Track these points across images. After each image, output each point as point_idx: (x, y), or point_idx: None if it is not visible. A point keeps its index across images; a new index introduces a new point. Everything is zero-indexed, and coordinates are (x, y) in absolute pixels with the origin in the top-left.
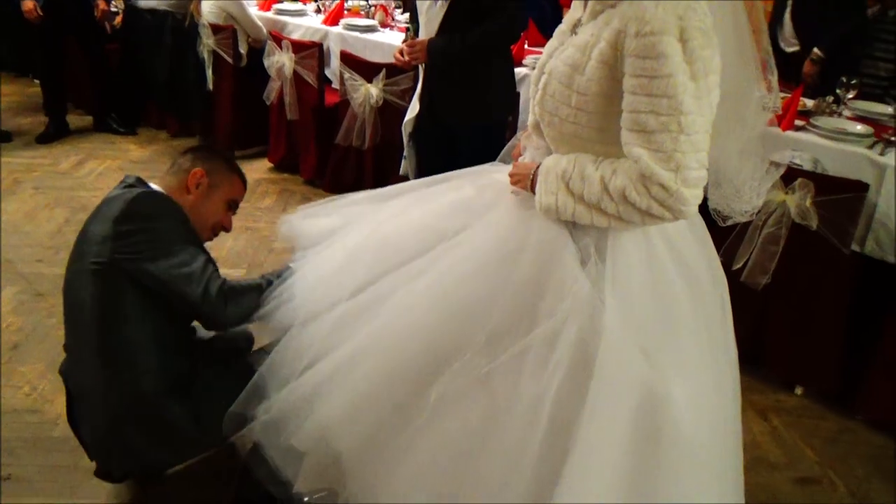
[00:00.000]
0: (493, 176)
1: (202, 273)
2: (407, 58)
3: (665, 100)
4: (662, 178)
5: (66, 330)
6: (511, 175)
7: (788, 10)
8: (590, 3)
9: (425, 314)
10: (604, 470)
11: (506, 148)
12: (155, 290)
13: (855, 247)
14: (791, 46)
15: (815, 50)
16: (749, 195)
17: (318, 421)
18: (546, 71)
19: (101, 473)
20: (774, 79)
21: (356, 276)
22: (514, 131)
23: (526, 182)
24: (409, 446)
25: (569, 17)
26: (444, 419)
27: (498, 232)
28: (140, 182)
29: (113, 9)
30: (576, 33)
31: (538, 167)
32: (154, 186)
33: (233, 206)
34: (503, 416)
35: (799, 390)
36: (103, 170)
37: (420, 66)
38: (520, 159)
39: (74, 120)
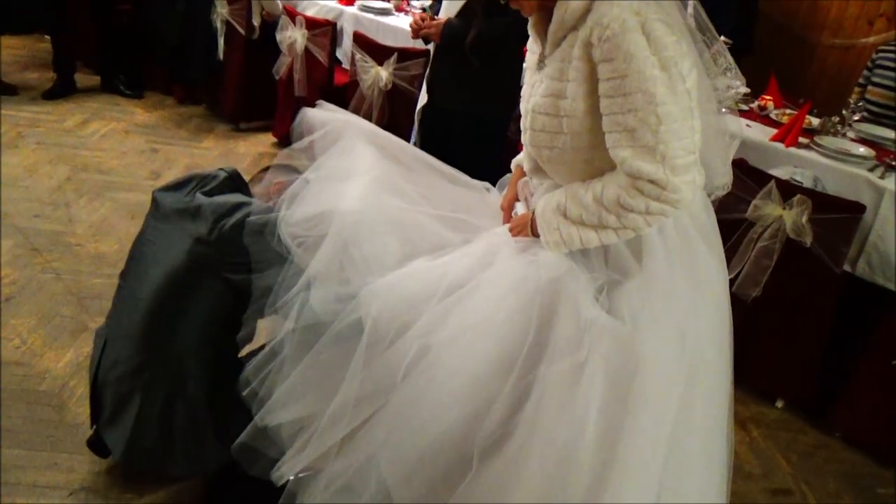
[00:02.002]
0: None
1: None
2: (423, 28)
3: (639, 95)
4: (650, 173)
5: (125, 276)
6: (511, 229)
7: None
8: (550, 33)
9: (455, 377)
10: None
11: (501, 180)
12: (231, 297)
13: (846, 267)
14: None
15: (722, 37)
16: (721, 168)
17: (379, 483)
18: (528, 110)
19: (94, 445)
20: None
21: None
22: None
23: (527, 230)
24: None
25: (529, 57)
26: (488, 469)
27: (512, 282)
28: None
29: None
30: (544, 66)
31: (534, 212)
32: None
33: None
34: (539, 458)
35: (780, 403)
36: (107, 131)
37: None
38: (517, 206)
39: (82, 79)
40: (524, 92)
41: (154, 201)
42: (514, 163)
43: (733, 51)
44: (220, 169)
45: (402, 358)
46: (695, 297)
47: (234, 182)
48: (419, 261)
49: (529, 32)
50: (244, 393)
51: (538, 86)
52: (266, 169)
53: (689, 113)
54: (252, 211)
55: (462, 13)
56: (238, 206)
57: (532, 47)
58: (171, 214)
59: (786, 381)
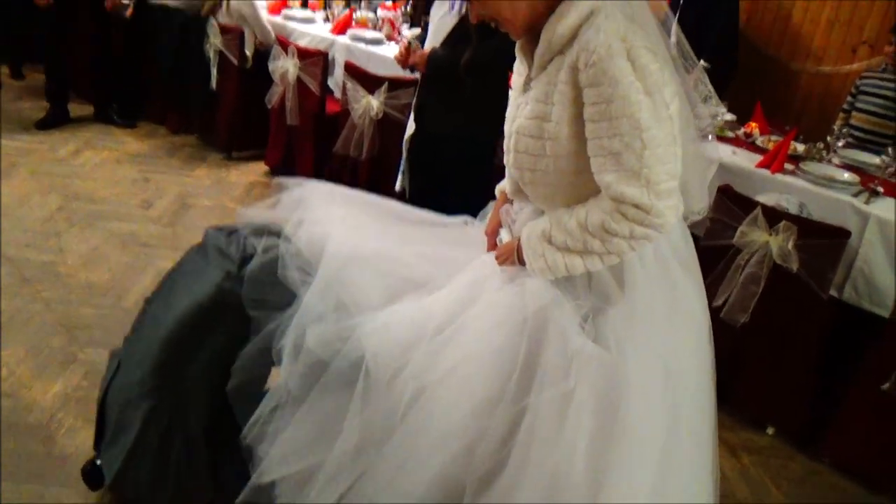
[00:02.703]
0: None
1: None
2: (409, 59)
3: (624, 119)
4: (635, 197)
5: (151, 301)
6: (497, 257)
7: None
8: (536, 57)
9: (450, 415)
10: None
11: (483, 210)
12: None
13: (833, 292)
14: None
15: (701, 61)
16: (699, 193)
17: None
18: (513, 132)
19: (88, 475)
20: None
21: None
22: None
23: (513, 257)
24: None
25: (515, 79)
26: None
27: (500, 315)
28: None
29: (125, 1)
30: (530, 88)
31: (519, 239)
32: None
33: None
34: (531, 490)
35: (770, 430)
36: (100, 160)
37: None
38: (502, 233)
39: (76, 108)
40: (509, 113)
41: (204, 237)
42: (498, 188)
43: (718, 73)
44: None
45: (399, 401)
46: (675, 325)
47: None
48: (407, 300)
49: (517, 54)
50: (245, 444)
51: (523, 107)
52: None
53: (672, 139)
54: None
55: (446, 42)
56: (268, 248)
57: (518, 69)
58: (211, 250)
59: (775, 407)
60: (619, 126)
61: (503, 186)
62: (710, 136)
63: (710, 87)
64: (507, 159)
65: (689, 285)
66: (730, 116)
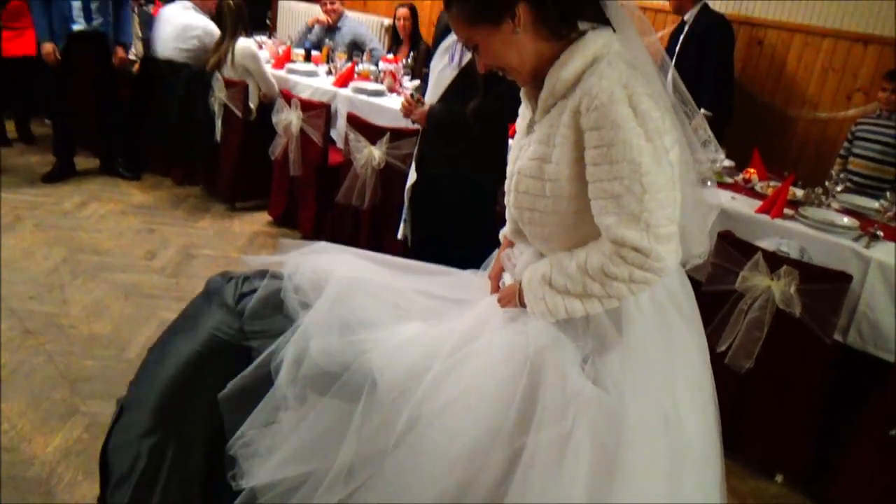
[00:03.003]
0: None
1: None
2: (410, 113)
3: (625, 164)
4: (634, 241)
5: (153, 348)
6: (499, 300)
7: (669, 75)
8: (540, 100)
9: (447, 448)
10: None
11: (487, 260)
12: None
13: (838, 337)
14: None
15: (702, 110)
16: (698, 238)
17: None
18: (515, 172)
19: None
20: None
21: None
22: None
23: (514, 300)
24: None
25: (520, 122)
26: None
27: (501, 352)
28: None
29: (131, 57)
30: (533, 130)
31: (521, 283)
32: None
33: None
34: None
35: (779, 478)
36: (105, 212)
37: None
38: (504, 276)
39: (82, 161)
40: (512, 155)
41: (206, 284)
42: (502, 234)
43: (714, 122)
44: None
45: (393, 427)
46: (673, 373)
47: None
48: (414, 326)
49: (522, 97)
50: (237, 448)
51: (526, 149)
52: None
53: (672, 184)
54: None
55: (446, 95)
56: (268, 286)
57: (523, 112)
58: (211, 296)
59: (783, 453)
60: (619, 170)
61: (506, 231)
62: (710, 182)
63: (709, 132)
64: (508, 199)
65: (686, 333)
66: (728, 163)
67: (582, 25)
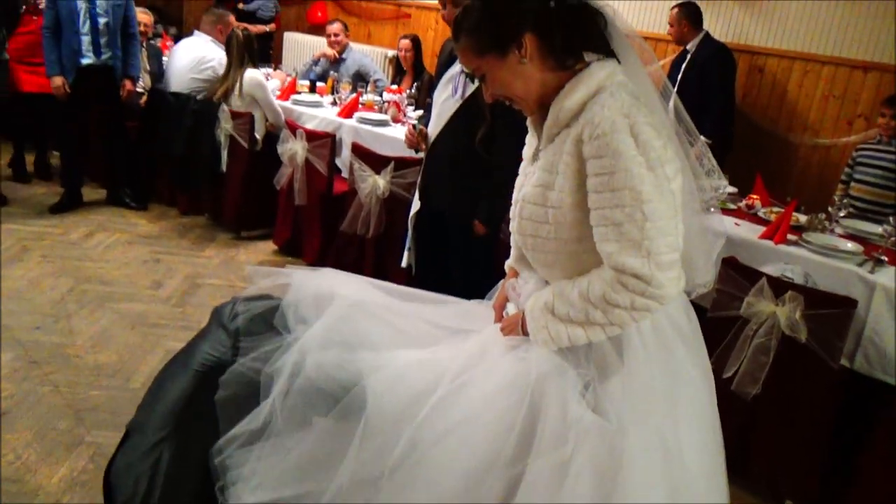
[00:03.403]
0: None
1: None
2: (414, 145)
3: (627, 191)
4: (635, 268)
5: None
6: (502, 328)
7: (671, 103)
8: (545, 129)
9: (447, 475)
10: None
11: (492, 291)
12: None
13: (845, 362)
14: None
15: (702, 138)
16: (704, 267)
17: None
18: (519, 199)
19: None
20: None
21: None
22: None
23: (517, 329)
24: None
25: (526, 150)
26: None
27: (502, 380)
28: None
29: (139, 89)
30: (538, 158)
31: (524, 312)
32: None
33: None
34: None
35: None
36: (112, 242)
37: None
38: (508, 306)
39: (89, 192)
40: (518, 182)
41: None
42: (507, 265)
43: (715, 149)
44: None
45: (391, 452)
46: (675, 401)
47: None
48: (415, 352)
49: (528, 126)
50: (217, 461)
51: (531, 176)
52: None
53: (673, 212)
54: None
55: (450, 124)
56: (260, 298)
57: (529, 140)
58: (212, 321)
59: (791, 479)
60: (621, 198)
61: (511, 262)
62: (714, 209)
63: (713, 160)
64: (513, 226)
65: (689, 362)
66: (731, 189)
67: (587, 56)
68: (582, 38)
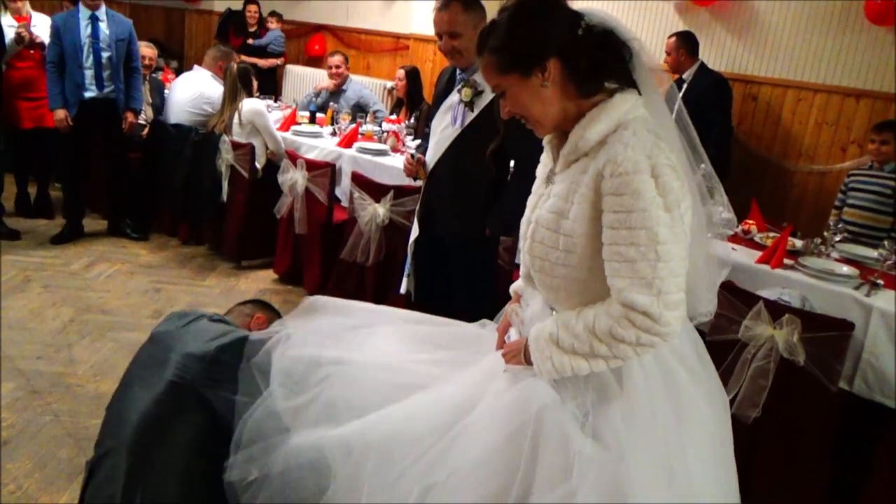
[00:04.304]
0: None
1: None
2: (412, 173)
3: (643, 231)
4: (645, 306)
5: (112, 404)
6: (504, 355)
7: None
8: (562, 155)
9: None
10: None
11: (499, 313)
12: (216, 420)
13: (844, 385)
14: None
15: (702, 166)
16: (706, 296)
17: None
18: (532, 220)
19: None
20: (721, 196)
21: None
22: (511, 255)
23: (520, 357)
24: None
25: (540, 172)
26: None
27: (503, 420)
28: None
29: (141, 121)
30: (552, 182)
31: (527, 340)
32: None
33: None
34: None
35: None
36: (113, 272)
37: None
38: (511, 331)
39: (90, 223)
40: (531, 202)
41: (150, 337)
42: (511, 289)
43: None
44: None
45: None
46: (681, 430)
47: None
48: (408, 401)
49: (544, 146)
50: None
51: (545, 199)
52: (244, 303)
53: (685, 253)
54: (248, 337)
55: (449, 152)
56: (230, 331)
57: (544, 160)
58: (164, 339)
59: (794, 501)
60: (637, 236)
61: (516, 287)
62: (720, 237)
63: (722, 191)
64: (524, 246)
65: (694, 388)
66: (727, 214)
67: (609, 84)
68: (606, 67)
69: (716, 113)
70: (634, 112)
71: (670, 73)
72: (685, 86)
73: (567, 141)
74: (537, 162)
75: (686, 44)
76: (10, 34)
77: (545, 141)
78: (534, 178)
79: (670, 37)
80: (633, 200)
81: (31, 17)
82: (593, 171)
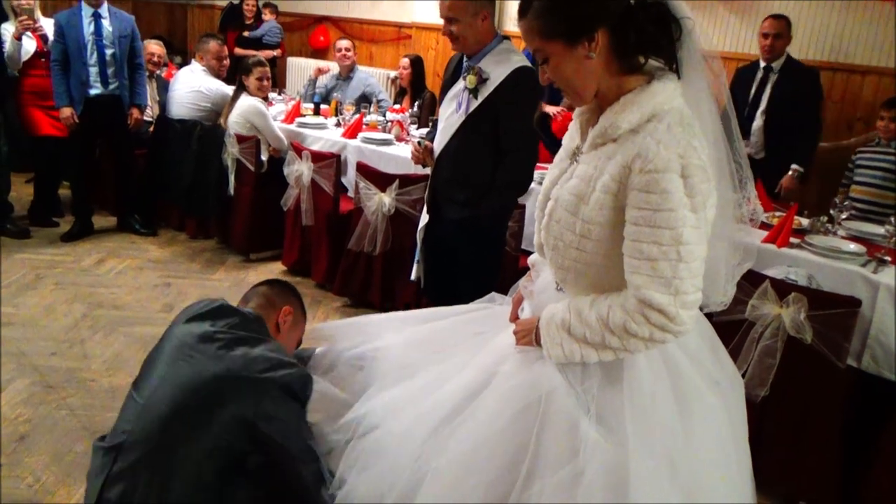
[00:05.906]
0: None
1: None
2: (420, 161)
3: (667, 231)
4: (662, 304)
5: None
6: (515, 333)
7: (757, 121)
8: (590, 136)
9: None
10: None
11: (514, 286)
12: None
13: (852, 362)
14: (758, 155)
15: (794, 166)
16: (724, 286)
17: None
18: (552, 197)
19: None
20: (752, 187)
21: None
22: (517, 241)
23: (530, 337)
24: None
25: (566, 144)
26: None
27: (509, 403)
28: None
29: (147, 118)
30: (577, 161)
31: (539, 321)
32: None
33: (298, 345)
34: None
35: None
36: (123, 268)
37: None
38: (524, 304)
39: (99, 220)
40: (550, 173)
41: (176, 324)
42: (528, 261)
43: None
44: (249, 311)
45: (396, 480)
46: (684, 421)
47: (259, 326)
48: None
49: (574, 119)
50: None
51: (567, 179)
52: (261, 284)
53: (705, 251)
54: (294, 375)
55: (455, 138)
56: (282, 364)
57: (572, 133)
58: (201, 339)
59: (804, 480)
60: (660, 235)
61: (533, 259)
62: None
63: (751, 178)
64: (540, 219)
65: (698, 376)
66: (753, 206)
67: (653, 62)
68: (654, 43)
69: (813, 110)
70: (671, 102)
71: (763, 57)
72: (774, 76)
73: (598, 122)
74: (533, 160)
75: (789, 29)
76: (27, 45)
77: (576, 114)
78: (525, 175)
79: (779, 17)
80: (661, 200)
81: (38, 21)
82: (620, 162)
